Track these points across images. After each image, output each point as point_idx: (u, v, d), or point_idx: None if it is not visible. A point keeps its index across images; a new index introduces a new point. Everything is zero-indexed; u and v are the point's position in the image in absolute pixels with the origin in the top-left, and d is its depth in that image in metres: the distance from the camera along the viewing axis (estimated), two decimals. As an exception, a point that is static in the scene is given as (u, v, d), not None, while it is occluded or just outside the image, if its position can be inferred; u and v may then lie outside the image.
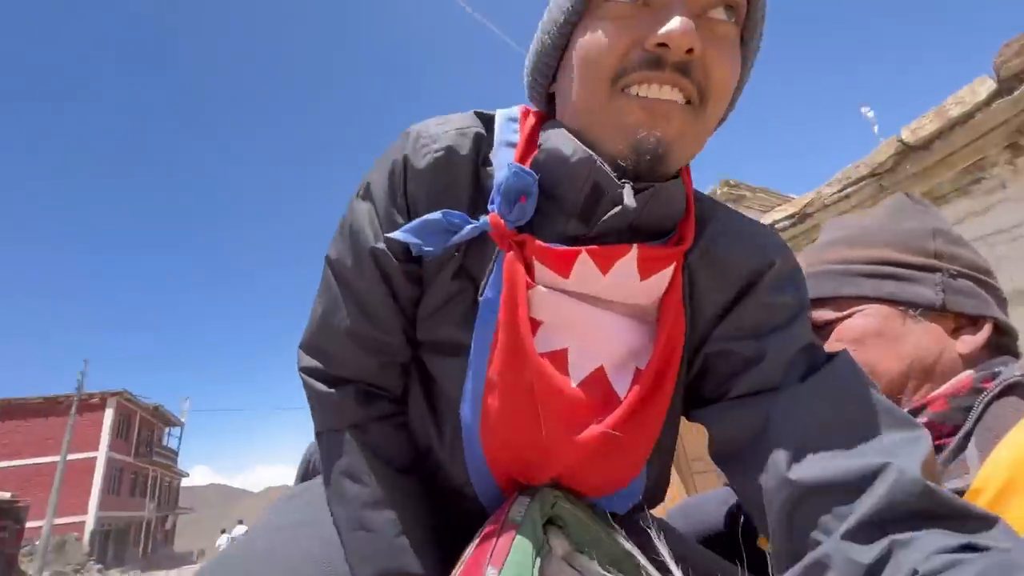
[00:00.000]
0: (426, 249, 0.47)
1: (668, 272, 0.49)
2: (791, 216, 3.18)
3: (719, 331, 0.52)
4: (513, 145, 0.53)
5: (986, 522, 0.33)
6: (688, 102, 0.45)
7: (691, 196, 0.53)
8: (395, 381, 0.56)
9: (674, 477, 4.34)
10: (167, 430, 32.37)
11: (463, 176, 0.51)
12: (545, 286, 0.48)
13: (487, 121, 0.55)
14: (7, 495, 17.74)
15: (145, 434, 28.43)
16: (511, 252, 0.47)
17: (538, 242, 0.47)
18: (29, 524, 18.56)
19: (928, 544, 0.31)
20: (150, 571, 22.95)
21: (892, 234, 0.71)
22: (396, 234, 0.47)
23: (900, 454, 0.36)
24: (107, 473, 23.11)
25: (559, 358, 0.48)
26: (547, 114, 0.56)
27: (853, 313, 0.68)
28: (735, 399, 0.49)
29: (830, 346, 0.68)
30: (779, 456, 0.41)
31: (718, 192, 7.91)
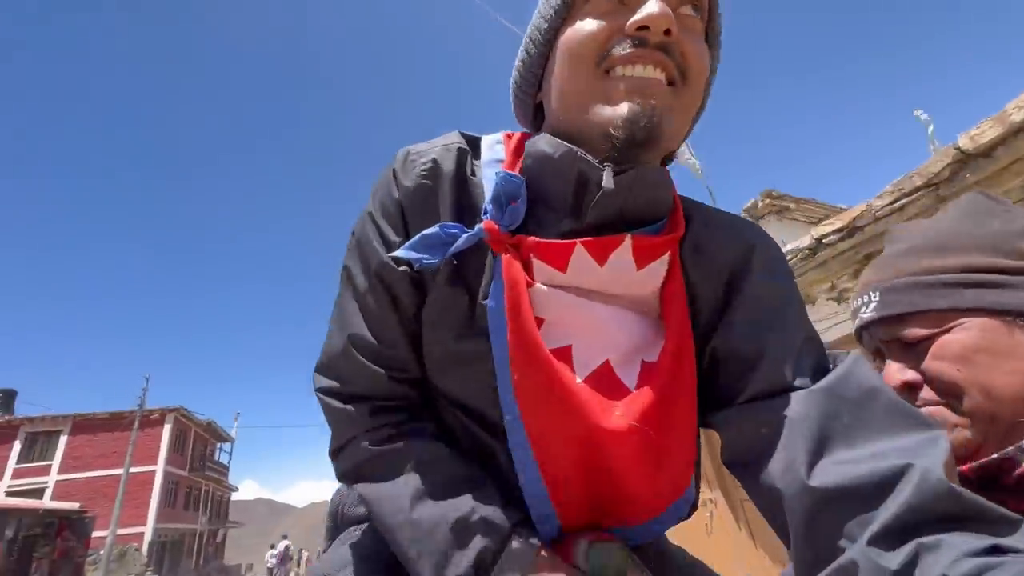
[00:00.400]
0: (426, 263, 0.49)
1: (664, 261, 0.50)
2: (840, 230, 3.03)
3: (719, 325, 0.52)
4: (500, 161, 0.56)
5: (1013, 524, 0.32)
6: (670, 83, 0.48)
7: (675, 192, 0.56)
8: (408, 394, 0.55)
9: (726, 512, 4.15)
10: (219, 445, 33.81)
11: (448, 186, 0.53)
12: (544, 284, 0.48)
13: (471, 141, 0.59)
14: (76, 506, 18.97)
15: (199, 449, 29.73)
16: (508, 254, 0.48)
17: (533, 239, 0.49)
18: (94, 534, 19.76)
19: (955, 547, 0.30)
20: (201, 583, 23.69)
21: (979, 238, 0.64)
22: (398, 253, 0.49)
23: (921, 455, 0.35)
24: (164, 486, 24.25)
25: (564, 355, 0.48)
26: (532, 133, 0.59)
27: (951, 328, 0.61)
28: (747, 403, 0.48)
29: (928, 365, 0.62)
30: (797, 462, 0.39)
31: (760, 204, 7.65)
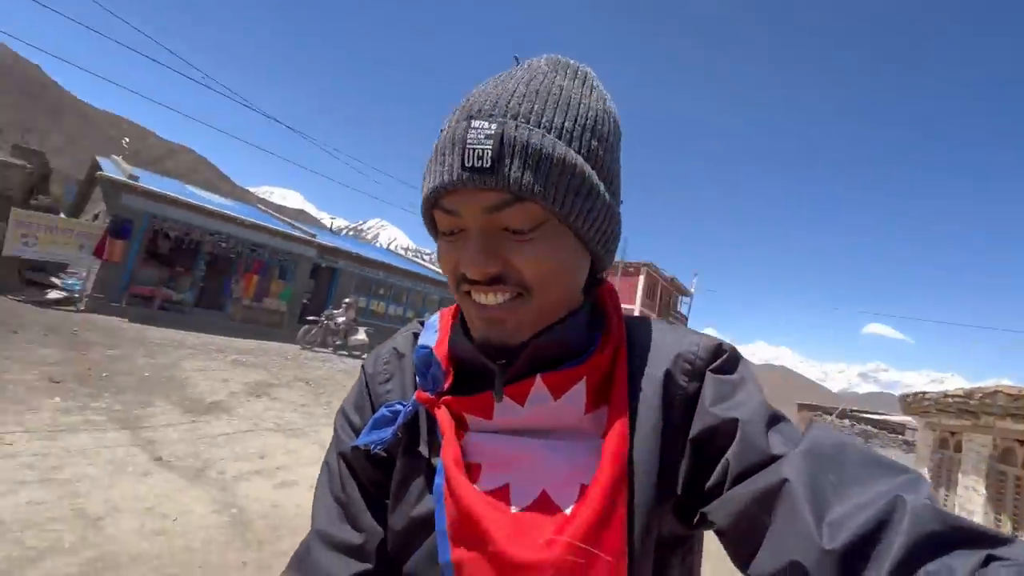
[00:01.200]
0: (378, 443, 0.55)
1: (582, 385, 0.52)
2: None
3: (693, 417, 0.52)
4: (437, 333, 0.61)
5: (1005, 540, 0.34)
6: (519, 294, 0.50)
7: (610, 313, 0.57)
8: None
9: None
10: (680, 298, 39.22)
11: (408, 368, 0.62)
12: (475, 431, 0.54)
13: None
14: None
15: (665, 298, 35.57)
16: (440, 411, 0.54)
17: (460, 397, 0.54)
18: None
19: (957, 567, 0.32)
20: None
21: None
22: (356, 441, 0.57)
23: (908, 491, 0.38)
24: (640, 323, 30.85)
25: (502, 494, 0.51)
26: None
27: None
28: (735, 483, 0.46)
29: None
30: (809, 529, 0.39)
31: None
